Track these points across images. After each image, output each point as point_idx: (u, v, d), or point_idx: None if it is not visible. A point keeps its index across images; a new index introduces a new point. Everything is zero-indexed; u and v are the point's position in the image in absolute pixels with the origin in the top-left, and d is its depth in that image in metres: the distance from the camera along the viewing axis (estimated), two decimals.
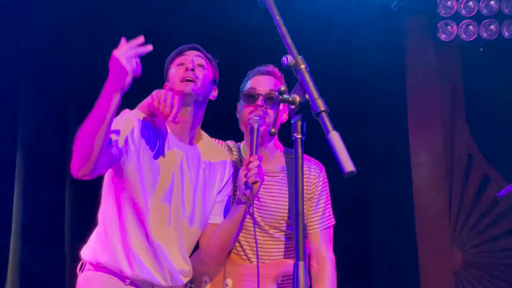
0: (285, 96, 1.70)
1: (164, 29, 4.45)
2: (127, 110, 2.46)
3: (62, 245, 4.09)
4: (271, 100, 2.68)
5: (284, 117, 2.78)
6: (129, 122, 2.40)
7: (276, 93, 2.68)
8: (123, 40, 2.16)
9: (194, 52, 2.59)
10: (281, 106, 2.72)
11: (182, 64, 2.54)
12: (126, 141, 2.35)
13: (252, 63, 2.87)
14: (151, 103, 2.38)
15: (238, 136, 2.88)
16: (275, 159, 2.78)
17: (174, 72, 2.54)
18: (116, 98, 2.16)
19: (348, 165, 1.50)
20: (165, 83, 2.62)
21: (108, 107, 2.15)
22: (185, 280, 2.55)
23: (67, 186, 4.21)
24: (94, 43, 4.39)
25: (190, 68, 2.50)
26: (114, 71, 2.12)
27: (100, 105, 2.17)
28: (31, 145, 4.24)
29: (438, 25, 5.00)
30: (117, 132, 2.32)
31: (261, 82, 2.74)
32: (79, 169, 2.23)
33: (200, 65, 2.55)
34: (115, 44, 2.13)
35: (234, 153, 2.81)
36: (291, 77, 2.72)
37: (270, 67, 2.80)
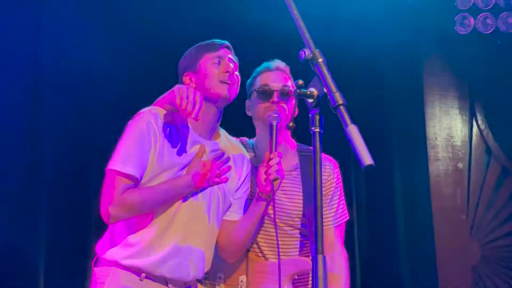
0: (303, 90, 1.70)
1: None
2: (144, 116, 2.42)
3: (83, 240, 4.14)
4: (286, 95, 2.69)
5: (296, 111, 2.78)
6: (148, 140, 2.37)
7: (289, 88, 2.69)
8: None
9: (228, 52, 2.57)
10: (294, 101, 2.72)
11: (218, 62, 2.51)
12: (146, 168, 2.38)
13: (256, 60, 2.87)
14: (173, 98, 2.34)
15: (243, 134, 2.90)
16: (288, 157, 2.77)
17: (210, 69, 2.50)
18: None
19: (366, 159, 1.50)
20: (187, 72, 2.57)
21: (176, 199, 2.39)
22: (199, 277, 2.53)
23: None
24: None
25: (231, 72, 2.50)
26: (201, 180, 2.37)
27: (170, 194, 2.37)
28: (54, 144, 4.27)
29: (456, 18, 4.96)
30: (141, 169, 2.36)
31: (273, 78, 2.74)
32: (115, 220, 2.35)
33: (235, 68, 2.55)
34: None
35: (248, 150, 2.80)
36: (296, 71, 2.75)
37: (278, 63, 2.80)
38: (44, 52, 4.31)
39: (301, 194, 2.73)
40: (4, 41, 4.24)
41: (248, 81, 2.84)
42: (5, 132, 4.15)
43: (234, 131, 2.81)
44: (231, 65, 2.53)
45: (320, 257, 1.58)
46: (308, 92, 1.69)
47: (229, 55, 2.57)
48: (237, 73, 2.55)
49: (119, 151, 2.38)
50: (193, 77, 2.54)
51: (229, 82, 2.49)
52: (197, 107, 2.30)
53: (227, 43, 2.60)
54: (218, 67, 2.50)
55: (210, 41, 2.59)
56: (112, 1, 4.52)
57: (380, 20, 4.90)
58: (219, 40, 2.59)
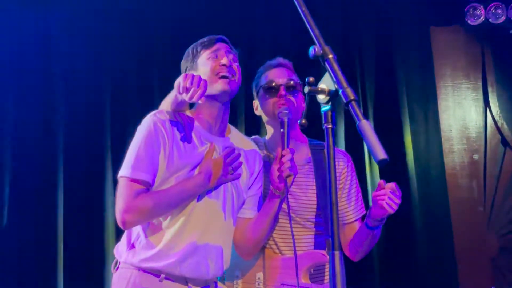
0: (314, 87, 1.70)
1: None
2: (152, 120, 2.40)
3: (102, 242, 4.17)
4: (292, 88, 2.72)
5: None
6: (157, 143, 2.37)
7: (294, 81, 2.71)
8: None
9: (224, 45, 2.54)
10: (301, 95, 2.74)
11: (215, 56, 2.48)
12: (157, 172, 2.37)
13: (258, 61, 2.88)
14: (177, 90, 2.30)
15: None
16: (301, 151, 2.78)
17: (207, 65, 2.47)
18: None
19: (380, 153, 1.50)
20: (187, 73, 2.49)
21: (190, 200, 2.37)
22: (218, 274, 2.52)
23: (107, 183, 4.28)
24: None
25: (229, 64, 2.46)
26: (214, 178, 2.35)
27: (184, 196, 2.35)
28: (72, 146, 4.30)
29: (466, 9, 4.93)
30: (152, 173, 2.35)
31: (277, 74, 2.76)
32: (130, 226, 2.37)
33: (234, 60, 2.51)
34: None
35: (260, 148, 2.81)
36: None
37: (280, 59, 2.83)
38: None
39: (315, 187, 2.73)
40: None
41: (253, 82, 2.86)
42: (21, 134, 4.21)
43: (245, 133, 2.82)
44: (230, 56, 2.50)
45: (337, 253, 1.57)
46: (319, 89, 1.68)
47: (226, 48, 2.54)
48: (236, 64, 2.52)
49: (129, 157, 2.38)
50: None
51: (228, 75, 2.45)
52: (199, 91, 2.24)
53: (222, 36, 2.57)
54: (215, 60, 2.48)
55: (205, 38, 2.56)
56: None
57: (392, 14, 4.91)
58: (214, 35, 2.56)
